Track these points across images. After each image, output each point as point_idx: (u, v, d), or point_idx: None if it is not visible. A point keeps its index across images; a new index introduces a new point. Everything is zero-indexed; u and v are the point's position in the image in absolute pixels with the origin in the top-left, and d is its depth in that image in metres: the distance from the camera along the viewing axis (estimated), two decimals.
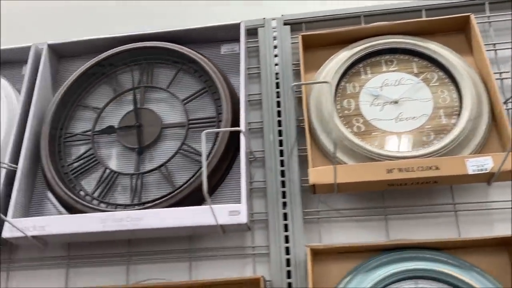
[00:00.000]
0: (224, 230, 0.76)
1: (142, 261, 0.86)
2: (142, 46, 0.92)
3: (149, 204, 0.80)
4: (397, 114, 0.81)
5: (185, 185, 0.80)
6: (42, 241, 0.80)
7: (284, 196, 0.84)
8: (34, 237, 0.78)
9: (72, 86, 0.91)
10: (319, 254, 0.77)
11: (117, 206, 0.82)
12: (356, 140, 0.77)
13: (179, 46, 0.91)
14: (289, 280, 0.80)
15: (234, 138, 0.83)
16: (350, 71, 0.86)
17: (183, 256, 0.85)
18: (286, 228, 0.83)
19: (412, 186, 0.75)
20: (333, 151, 0.68)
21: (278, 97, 0.90)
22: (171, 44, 0.91)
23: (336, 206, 0.85)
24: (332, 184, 0.74)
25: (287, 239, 0.82)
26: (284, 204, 0.84)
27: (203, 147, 0.66)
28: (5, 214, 0.80)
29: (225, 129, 0.78)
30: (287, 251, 0.82)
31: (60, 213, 0.84)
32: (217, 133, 0.85)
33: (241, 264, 0.85)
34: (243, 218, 0.74)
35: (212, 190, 0.82)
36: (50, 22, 1.20)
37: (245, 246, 0.85)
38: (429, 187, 0.81)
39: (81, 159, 0.87)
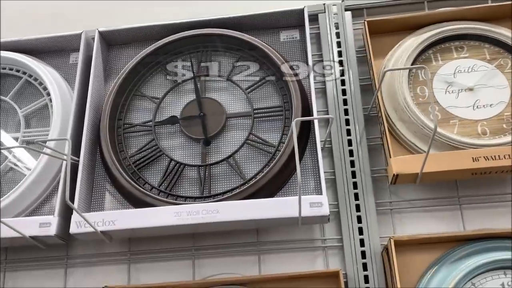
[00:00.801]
0: (302, 222, 0.74)
1: (208, 256, 0.83)
2: (200, 33, 0.89)
3: (220, 197, 0.77)
4: (473, 101, 0.79)
5: (258, 177, 0.77)
6: (109, 237, 0.77)
7: (355, 187, 0.82)
8: (102, 232, 0.74)
9: (129, 74, 0.87)
10: (399, 246, 0.74)
11: (186, 199, 0.79)
12: (437, 128, 0.75)
13: (240, 33, 0.88)
14: (365, 273, 0.78)
15: (304, 127, 0.80)
16: (420, 57, 0.84)
17: (251, 249, 0.83)
18: (358, 219, 0.81)
19: (496, 175, 0.73)
20: (429, 141, 0.66)
21: (343, 84, 0.88)
22: (232, 31, 0.88)
23: (407, 197, 0.83)
24: (415, 174, 0.72)
25: (360, 231, 0.80)
26: (355, 195, 0.82)
27: (295, 136, 0.63)
28: (70, 210, 0.77)
29: (317, 117, 0.75)
30: (361, 243, 0.80)
31: (123, 207, 0.81)
32: (286, 123, 0.82)
33: (311, 257, 0.82)
34: (325, 210, 0.72)
35: (284, 181, 0.79)
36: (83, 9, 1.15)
37: (315, 238, 0.83)
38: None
39: (144, 151, 0.84)
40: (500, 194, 0.81)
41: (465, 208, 0.81)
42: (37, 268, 0.86)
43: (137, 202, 0.78)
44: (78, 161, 0.80)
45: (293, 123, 0.62)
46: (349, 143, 0.85)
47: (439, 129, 0.76)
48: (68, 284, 0.84)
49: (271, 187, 0.78)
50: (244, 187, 0.77)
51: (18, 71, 0.93)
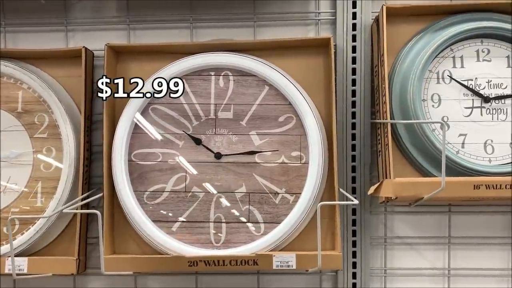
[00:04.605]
0: None
1: (206, 27, 0.87)
2: None
3: None
4: None
5: None
6: None
7: None
8: None
9: None
10: (390, 16, 0.78)
11: None
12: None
13: None
14: (354, 43, 0.83)
15: None
16: None
17: (248, 20, 0.86)
18: None
19: None
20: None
21: None
22: None
23: None
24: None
25: (353, 5, 0.83)
26: None
27: None
28: None
29: None
30: (354, 16, 0.83)
31: None
32: None
33: (304, 31, 0.87)
34: None
35: None
36: None
37: (309, 11, 0.86)
38: None
39: None
40: None
41: None
42: (38, 31, 0.88)
43: None
44: None
45: None
46: None
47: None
48: (70, 45, 0.88)
49: None
50: None
51: None
